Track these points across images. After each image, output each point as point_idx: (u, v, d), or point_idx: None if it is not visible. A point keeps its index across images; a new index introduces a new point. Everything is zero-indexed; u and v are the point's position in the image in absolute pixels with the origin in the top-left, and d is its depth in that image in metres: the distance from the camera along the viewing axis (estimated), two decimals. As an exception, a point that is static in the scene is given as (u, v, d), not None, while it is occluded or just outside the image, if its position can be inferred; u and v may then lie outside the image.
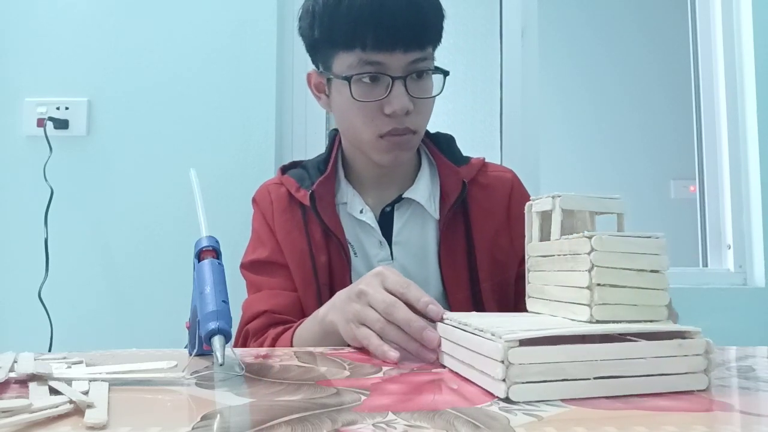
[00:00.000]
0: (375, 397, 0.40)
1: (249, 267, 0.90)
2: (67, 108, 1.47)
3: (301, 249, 0.86)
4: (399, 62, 0.79)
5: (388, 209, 0.89)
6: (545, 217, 0.53)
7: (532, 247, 0.55)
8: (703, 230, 1.70)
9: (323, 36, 0.81)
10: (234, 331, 0.87)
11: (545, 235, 0.53)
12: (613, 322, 0.44)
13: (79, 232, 1.46)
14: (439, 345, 0.53)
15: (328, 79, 0.84)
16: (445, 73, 0.84)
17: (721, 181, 1.66)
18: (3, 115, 1.48)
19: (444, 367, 0.52)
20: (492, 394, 0.40)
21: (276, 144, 1.48)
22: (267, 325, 0.82)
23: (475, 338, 0.44)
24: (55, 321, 1.37)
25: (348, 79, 0.79)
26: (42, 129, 1.44)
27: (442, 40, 0.87)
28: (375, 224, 0.87)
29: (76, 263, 1.45)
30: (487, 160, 0.96)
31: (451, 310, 0.57)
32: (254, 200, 0.94)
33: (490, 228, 0.88)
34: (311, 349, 0.64)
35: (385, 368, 0.51)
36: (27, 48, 1.50)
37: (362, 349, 0.60)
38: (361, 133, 0.82)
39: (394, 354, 0.54)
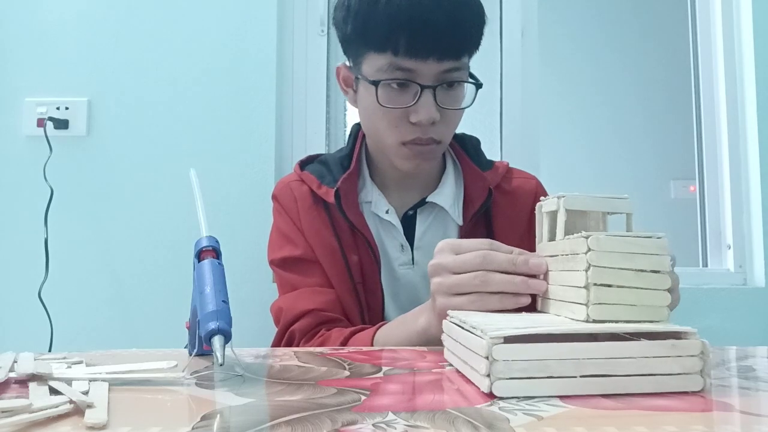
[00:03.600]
0: (375, 397, 0.40)
1: (280, 264, 0.86)
2: (67, 108, 1.47)
3: (332, 247, 0.83)
4: (431, 71, 0.75)
5: (410, 212, 0.86)
6: (553, 217, 0.53)
7: (541, 247, 0.55)
8: (703, 230, 1.70)
9: (356, 33, 0.78)
10: (273, 332, 0.84)
11: (553, 236, 0.53)
12: (610, 321, 0.44)
13: (79, 232, 1.46)
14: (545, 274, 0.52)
15: (356, 78, 0.82)
16: (479, 85, 0.81)
17: (721, 181, 1.66)
18: (3, 115, 1.48)
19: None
20: (492, 394, 0.40)
21: (276, 144, 1.48)
22: (316, 324, 0.79)
23: (468, 335, 0.45)
24: (55, 321, 1.37)
25: (376, 83, 0.76)
26: (42, 129, 1.44)
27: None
28: (399, 225, 0.85)
29: (76, 263, 1.45)
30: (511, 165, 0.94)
31: None
32: (275, 197, 0.91)
33: (513, 237, 0.85)
34: (311, 349, 0.64)
35: (385, 368, 0.51)
36: (27, 48, 1.50)
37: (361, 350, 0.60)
38: (384, 137, 0.80)
39: (540, 284, 0.52)
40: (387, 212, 0.86)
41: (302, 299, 0.82)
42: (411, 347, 0.63)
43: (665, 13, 2.67)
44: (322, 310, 0.80)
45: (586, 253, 0.45)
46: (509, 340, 0.40)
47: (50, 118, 1.45)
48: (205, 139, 1.47)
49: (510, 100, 1.59)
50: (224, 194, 1.43)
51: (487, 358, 0.40)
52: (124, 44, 1.50)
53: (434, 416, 0.35)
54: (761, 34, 1.60)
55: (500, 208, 0.87)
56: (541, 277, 0.53)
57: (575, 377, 0.41)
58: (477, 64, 0.88)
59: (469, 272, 0.55)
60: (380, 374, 0.49)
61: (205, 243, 0.54)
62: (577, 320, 0.46)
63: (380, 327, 0.73)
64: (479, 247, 0.56)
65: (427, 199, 0.86)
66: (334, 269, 0.83)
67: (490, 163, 0.92)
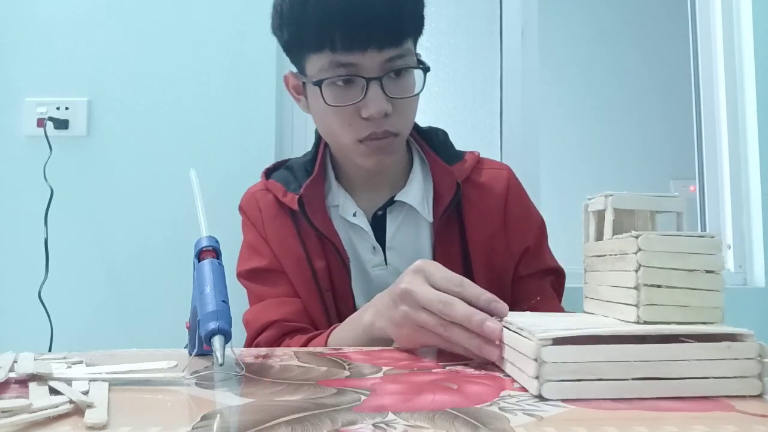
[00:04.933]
0: (375, 397, 0.40)
1: (247, 276, 0.86)
2: (67, 108, 1.47)
3: (297, 256, 0.82)
4: (373, 62, 0.73)
5: (380, 213, 0.85)
6: (600, 216, 0.52)
7: (588, 247, 0.53)
8: (703, 230, 1.70)
9: (292, 37, 0.77)
10: (232, 332, 0.85)
11: (600, 235, 0.52)
12: (662, 323, 0.43)
13: (79, 232, 1.46)
14: (501, 340, 0.49)
15: (303, 84, 0.80)
16: (426, 69, 0.78)
17: (721, 181, 1.66)
18: (3, 115, 1.48)
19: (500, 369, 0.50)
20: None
21: (276, 144, 1.48)
22: (280, 335, 0.79)
23: (515, 336, 0.45)
24: (55, 321, 1.37)
25: (319, 84, 0.74)
26: (42, 129, 1.44)
27: (430, 33, 0.83)
28: (368, 228, 0.84)
29: (76, 263, 1.45)
30: (482, 155, 0.92)
31: None
32: (241, 208, 0.90)
33: (485, 231, 0.84)
34: (311, 349, 0.64)
35: (385, 368, 0.51)
36: (27, 48, 1.50)
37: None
38: (340, 138, 0.78)
39: (491, 352, 0.50)
40: (354, 215, 0.84)
41: (267, 311, 0.81)
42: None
43: (665, 13, 2.67)
44: (286, 320, 0.79)
45: (635, 253, 0.44)
46: (558, 341, 0.40)
47: (50, 118, 1.45)
48: (205, 139, 1.47)
49: (510, 100, 1.59)
50: (224, 194, 1.43)
51: (535, 360, 0.40)
52: (124, 44, 1.50)
53: (434, 416, 0.35)
54: (761, 34, 1.60)
55: (471, 202, 0.85)
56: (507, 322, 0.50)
57: (627, 380, 0.40)
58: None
59: (432, 312, 0.54)
60: (380, 374, 0.49)
61: (205, 243, 0.54)
62: (627, 321, 0.45)
63: (334, 328, 0.73)
64: (449, 288, 0.54)
65: (395, 198, 0.84)
66: (301, 278, 0.82)
67: (460, 155, 0.90)
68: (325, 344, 0.71)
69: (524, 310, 0.60)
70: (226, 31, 1.49)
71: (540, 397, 0.39)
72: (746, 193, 1.62)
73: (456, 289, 0.54)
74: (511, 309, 0.86)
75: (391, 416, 0.35)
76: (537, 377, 0.39)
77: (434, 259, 0.82)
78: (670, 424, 0.34)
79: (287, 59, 0.85)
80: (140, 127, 1.48)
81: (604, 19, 2.80)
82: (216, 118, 1.48)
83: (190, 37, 1.49)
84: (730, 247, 1.63)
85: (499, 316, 0.51)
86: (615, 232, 0.49)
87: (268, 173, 0.90)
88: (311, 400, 0.39)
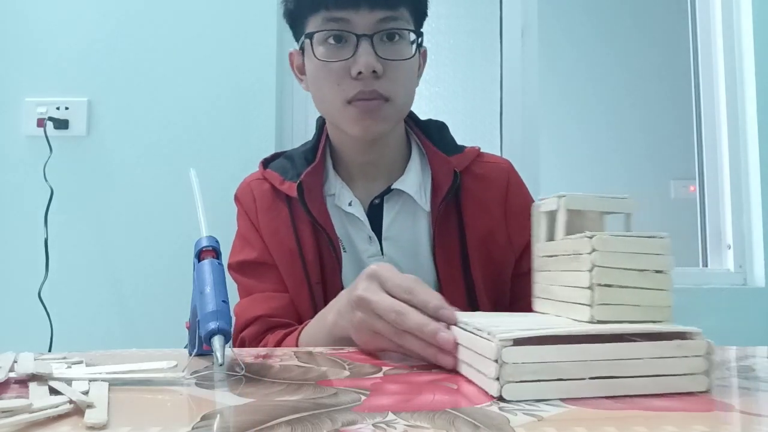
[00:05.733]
0: (375, 397, 0.40)
1: (237, 268, 0.86)
2: (67, 108, 1.47)
3: (289, 248, 0.82)
4: (365, 20, 0.75)
5: (377, 201, 0.85)
6: (552, 217, 0.53)
7: (539, 247, 0.54)
8: (703, 230, 1.70)
9: (295, 4, 0.80)
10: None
11: (552, 235, 0.53)
12: (615, 322, 0.44)
13: (79, 232, 1.46)
14: (456, 347, 0.50)
15: (302, 49, 0.82)
16: (419, 34, 0.80)
17: (721, 181, 1.66)
18: (3, 115, 1.49)
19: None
20: (501, 397, 0.40)
21: (276, 144, 1.48)
22: (263, 331, 0.79)
23: (473, 337, 0.44)
24: (55, 321, 1.37)
25: (311, 36, 0.77)
26: (42, 129, 1.44)
27: (429, 15, 0.84)
28: (364, 217, 0.83)
29: (76, 263, 1.45)
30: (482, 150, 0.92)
31: None
32: (236, 198, 0.91)
33: (484, 222, 0.84)
34: (311, 349, 0.64)
35: (385, 368, 0.51)
36: (27, 48, 1.50)
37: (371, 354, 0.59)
38: (330, 99, 0.79)
39: (447, 360, 0.49)
40: (350, 204, 0.84)
41: (253, 306, 0.81)
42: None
43: (665, 13, 2.67)
44: (270, 316, 0.80)
45: (590, 253, 0.44)
46: (519, 342, 0.40)
47: (50, 118, 1.45)
48: (205, 139, 1.47)
49: (510, 100, 1.59)
50: (224, 194, 1.42)
51: (496, 361, 0.39)
52: (124, 44, 1.50)
53: (434, 416, 0.35)
54: (761, 34, 1.60)
55: (470, 192, 0.84)
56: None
57: (584, 379, 0.40)
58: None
59: (386, 320, 0.53)
60: (380, 374, 0.49)
61: (205, 243, 0.54)
62: (581, 321, 0.45)
63: (305, 325, 0.73)
64: (400, 295, 0.54)
65: (392, 187, 0.84)
66: (291, 270, 0.82)
67: (460, 148, 0.90)
68: (296, 343, 0.72)
69: (524, 308, 0.60)
70: (226, 31, 1.49)
71: (501, 399, 0.39)
72: (746, 193, 1.62)
73: (406, 296, 0.54)
74: (512, 306, 0.86)
75: (391, 416, 0.35)
76: (497, 378, 0.39)
77: (433, 249, 0.82)
78: (670, 424, 0.34)
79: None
80: (140, 127, 1.48)
81: (604, 19, 2.80)
82: (216, 117, 1.48)
83: (190, 37, 1.49)
84: (730, 247, 1.63)
85: (448, 323, 0.51)
86: (566, 233, 0.50)
87: (266, 163, 0.91)
88: (311, 400, 0.39)
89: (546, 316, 0.51)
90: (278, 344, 0.75)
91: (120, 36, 1.50)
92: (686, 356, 0.41)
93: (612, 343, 0.42)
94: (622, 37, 2.77)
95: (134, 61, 1.49)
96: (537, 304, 0.54)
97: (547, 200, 0.53)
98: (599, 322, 0.44)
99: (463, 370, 0.47)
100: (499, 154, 1.59)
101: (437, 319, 0.51)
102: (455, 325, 0.50)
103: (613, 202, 0.50)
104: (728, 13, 1.67)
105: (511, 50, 1.59)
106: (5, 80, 1.49)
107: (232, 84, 1.48)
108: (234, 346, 0.82)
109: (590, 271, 0.44)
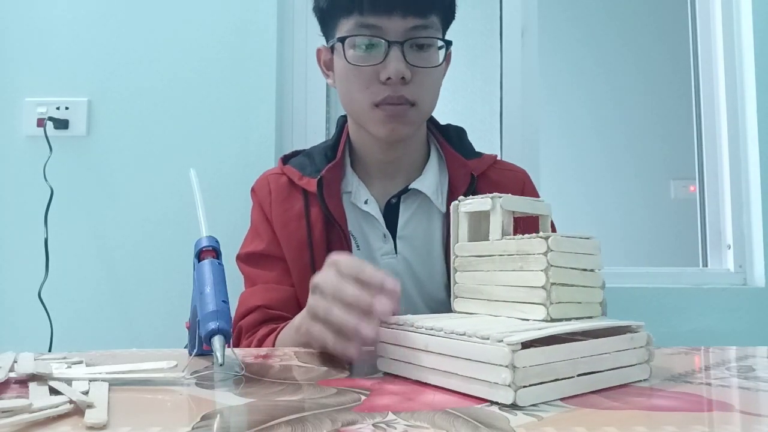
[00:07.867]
0: (375, 397, 0.40)
1: (245, 259, 0.88)
2: (67, 108, 1.47)
3: (299, 240, 0.83)
4: (397, 27, 0.77)
5: (393, 201, 0.86)
6: (473, 217, 0.54)
7: (461, 247, 0.54)
8: (703, 230, 1.70)
9: (328, 5, 0.81)
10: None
11: (475, 235, 0.54)
12: (565, 320, 0.46)
13: (79, 232, 1.46)
14: (385, 322, 0.48)
15: (332, 48, 0.83)
16: (448, 43, 0.82)
17: (721, 181, 1.66)
18: (3, 115, 1.48)
19: (381, 372, 0.48)
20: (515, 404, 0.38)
21: (276, 144, 1.48)
22: (260, 321, 0.80)
23: (462, 344, 0.41)
24: (55, 321, 1.37)
25: (343, 40, 0.79)
26: (42, 129, 1.44)
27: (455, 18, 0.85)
28: (379, 216, 0.85)
29: (76, 263, 1.45)
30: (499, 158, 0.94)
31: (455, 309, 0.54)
32: (253, 190, 0.92)
33: None
34: (311, 349, 0.64)
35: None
36: (27, 48, 1.50)
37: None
38: (358, 101, 0.80)
39: (353, 351, 0.48)
40: (366, 202, 0.85)
41: (253, 295, 0.83)
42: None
43: (665, 13, 2.67)
44: (268, 307, 0.81)
45: (545, 253, 0.45)
46: (525, 345, 0.39)
47: (50, 118, 1.45)
48: (205, 138, 1.47)
49: (510, 100, 1.59)
50: (224, 194, 1.43)
51: (507, 366, 0.38)
52: (124, 44, 1.50)
53: (434, 416, 0.35)
54: (761, 34, 1.60)
55: None
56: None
57: (573, 377, 0.41)
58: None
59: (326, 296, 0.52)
60: (380, 374, 0.49)
61: (205, 243, 0.54)
62: (535, 320, 0.46)
63: (283, 327, 0.73)
64: (349, 272, 0.51)
65: (410, 187, 0.86)
66: (298, 263, 0.83)
67: (478, 154, 0.92)
68: (273, 344, 0.72)
69: None
70: (226, 31, 1.49)
71: (513, 406, 0.37)
72: (746, 193, 1.62)
73: (354, 271, 0.51)
74: None
75: (391, 416, 0.35)
76: (510, 385, 0.37)
77: (445, 250, 0.84)
78: (670, 424, 0.34)
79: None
80: (140, 127, 1.48)
81: (603, 20, 2.80)
82: (216, 117, 1.48)
83: (190, 37, 1.49)
84: (730, 247, 1.63)
85: (392, 296, 0.49)
86: (471, 235, 0.53)
87: (285, 159, 0.92)
88: (311, 400, 0.39)
89: (483, 317, 0.50)
90: (260, 343, 0.76)
91: (120, 36, 1.50)
92: (635, 348, 0.45)
93: (591, 340, 0.43)
94: (622, 38, 2.77)
95: (134, 61, 1.49)
96: (459, 304, 0.54)
97: (473, 201, 0.54)
98: (553, 320, 0.45)
99: (445, 382, 0.43)
100: (499, 153, 1.59)
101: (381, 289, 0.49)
102: (397, 295, 0.49)
103: (537, 204, 0.54)
104: (728, 13, 1.67)
105: (511, 50, 1.59)
106: (5, 80, 1.49)
107: (232, 84, 1.48)
108: (233, 334, 0.82)
109: (546, 270, 0.45)
